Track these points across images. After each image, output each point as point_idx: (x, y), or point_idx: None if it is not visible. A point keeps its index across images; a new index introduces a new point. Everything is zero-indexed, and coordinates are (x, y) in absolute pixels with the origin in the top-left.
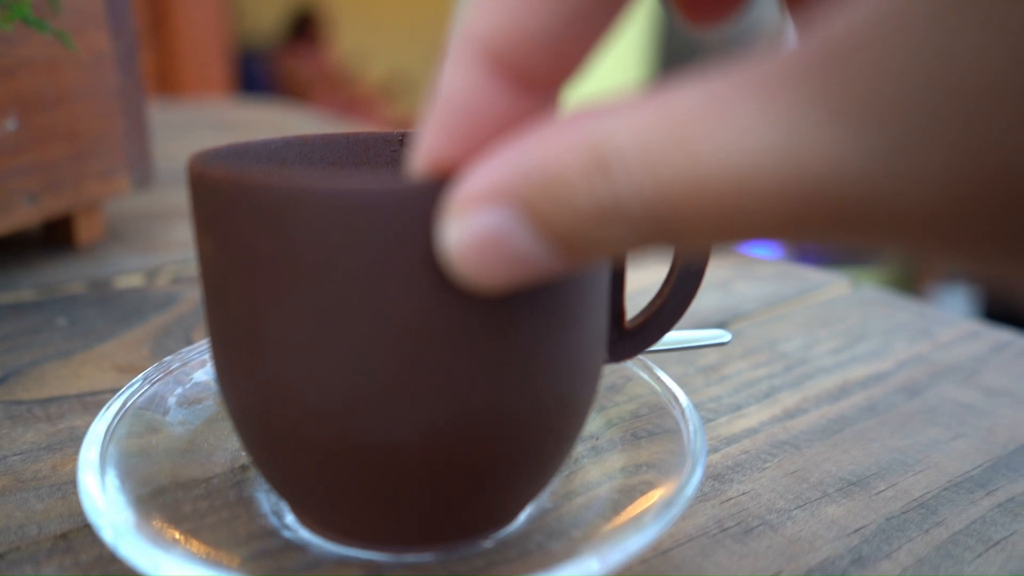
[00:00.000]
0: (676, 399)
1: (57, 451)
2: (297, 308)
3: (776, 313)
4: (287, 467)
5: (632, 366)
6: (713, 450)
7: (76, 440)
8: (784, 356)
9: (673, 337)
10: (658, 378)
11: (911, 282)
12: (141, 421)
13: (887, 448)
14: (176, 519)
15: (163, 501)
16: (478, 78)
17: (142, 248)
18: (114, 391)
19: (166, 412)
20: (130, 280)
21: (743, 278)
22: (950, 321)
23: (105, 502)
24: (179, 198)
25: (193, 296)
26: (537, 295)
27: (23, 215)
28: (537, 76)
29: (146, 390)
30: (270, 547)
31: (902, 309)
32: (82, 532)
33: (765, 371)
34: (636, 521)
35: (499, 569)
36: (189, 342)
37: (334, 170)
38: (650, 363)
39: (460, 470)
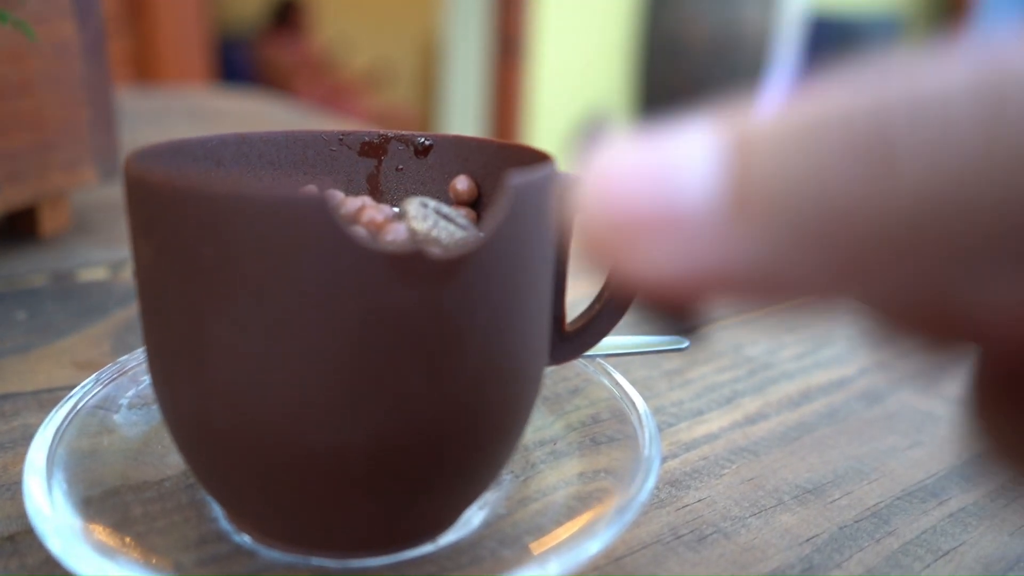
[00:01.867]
0: (634, 405)
1: (9, 450)
2: (240, 316)
3: (744, 317)
4: (229, 475)
5: (593, 371)
6: (672, 456)
7: (29, 439)
8: (748, 360)
9: (631, 341)
10: (618, 383)
11: None
12: (93, 421)
13: (845, 456)
14: (125, 522)
15: (112, 503)
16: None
17: (108, 241)
18: (71, 388)
19: (118, 412)
20: (94, 273)
21: None
22: None
23: (51, 507)
24: None
25: None
26: (483, 301)
27: None
28: None
29: (99, 391)
30: (219, 552)
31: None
32: (30, 534)
33: (729, 375)
34: (589, 528)
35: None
36: None
37: (272, 171)
38: (610, 368)
39: (405, 474)
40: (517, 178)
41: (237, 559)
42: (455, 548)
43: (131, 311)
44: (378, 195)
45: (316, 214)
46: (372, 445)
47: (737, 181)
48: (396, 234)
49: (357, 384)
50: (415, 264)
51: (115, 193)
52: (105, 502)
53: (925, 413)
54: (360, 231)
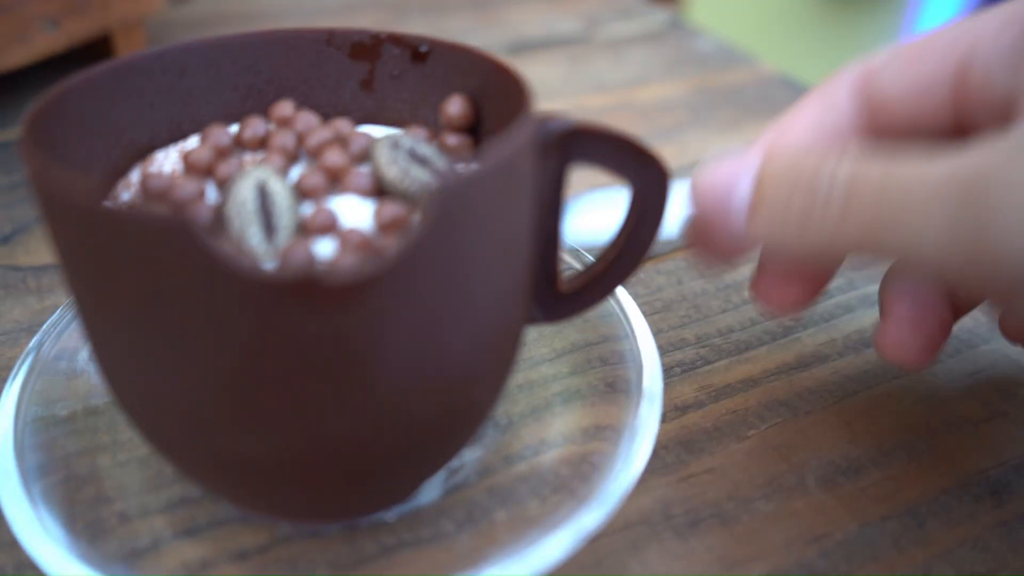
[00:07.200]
0: (641, 362)
1: (35, 334)
2: (126, 331)
3: None
4: (170, 461)
5: (611, 301)
6: (697, 405)
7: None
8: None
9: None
10: (631, 326)
11: None
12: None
13: (900, 425)
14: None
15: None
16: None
17: None
18: None
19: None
20: None
21: None
22: None
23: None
24: (225, 3)
25: None
26: (401, 321)
27: (46, 42)
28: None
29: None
30: (192, 494)
31: None
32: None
33: None
34: (565, 515)
35: (402, 552)
36: None
37: (248, 83)
38: (625, 303)
39: (321, 475)
40: (447, 176)
41: (204, 504)
42: (418, 516)
43: None
44: (374, 100)
45: (181, 240)
46: (280, 457)
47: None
48: (358, 180)
49: (255, 405)
50: (306, 294)
51: (188, 13)
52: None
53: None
54: (230, 251)
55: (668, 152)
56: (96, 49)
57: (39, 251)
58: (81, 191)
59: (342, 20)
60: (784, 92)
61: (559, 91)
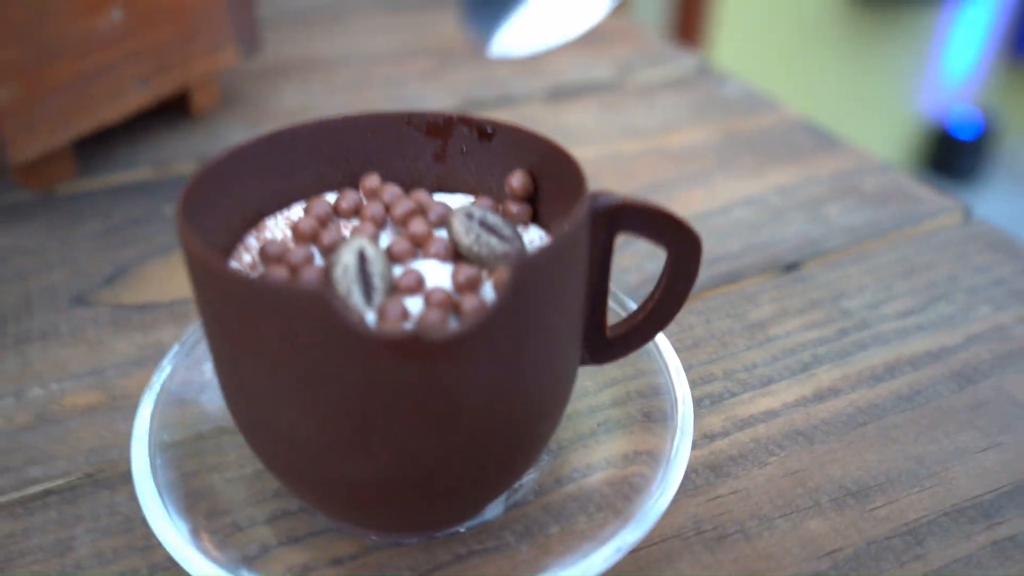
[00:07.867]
0: (675, 395)
1: (144, 366)
2: (263, 376)
3: (859, 252)
4: (285, 482)
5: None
6: (723, 434)
7: (161, 355)
8: (843, 315)
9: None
10: (666, 362)
11: None
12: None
13: (905, 455)
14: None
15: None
16: None
17: (256, 118)
18: None
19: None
20: None
21: (841, 197)
22: None
23: (167, 516)
24: (289, 51)
25: None
26: (486, 369)
27: (136, 99)
28: None
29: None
30: (290, 507)
31: (1012, 257)
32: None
33: (815, 335)
34: (610, 531)
35: (472, 560)
36: None
37: (346, 161)
38: (659, 341)
39: (415, 496)
40: (523, 251)
41: (302, 516)
42: (486, 529)
43: None
44: (444, 170)
45: (315, 306)
46: (380, 478)
47: None
48: (438, 246)
49: (363, 435)
50: (411, 347)
51: (259, 64)
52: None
53: (1021, 406)
54: (352, 314)
55: (696, 197)
56: (172, 101)
57: (140, 290)
58: (230, 268)
59: (394, 66)
60: (807, 137)
61: (593, 137)
